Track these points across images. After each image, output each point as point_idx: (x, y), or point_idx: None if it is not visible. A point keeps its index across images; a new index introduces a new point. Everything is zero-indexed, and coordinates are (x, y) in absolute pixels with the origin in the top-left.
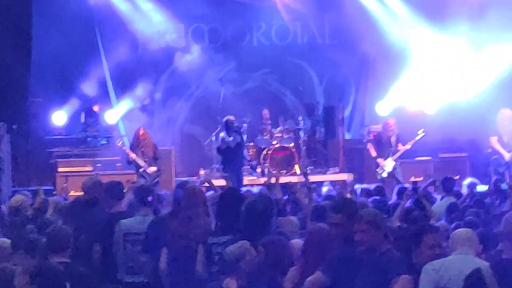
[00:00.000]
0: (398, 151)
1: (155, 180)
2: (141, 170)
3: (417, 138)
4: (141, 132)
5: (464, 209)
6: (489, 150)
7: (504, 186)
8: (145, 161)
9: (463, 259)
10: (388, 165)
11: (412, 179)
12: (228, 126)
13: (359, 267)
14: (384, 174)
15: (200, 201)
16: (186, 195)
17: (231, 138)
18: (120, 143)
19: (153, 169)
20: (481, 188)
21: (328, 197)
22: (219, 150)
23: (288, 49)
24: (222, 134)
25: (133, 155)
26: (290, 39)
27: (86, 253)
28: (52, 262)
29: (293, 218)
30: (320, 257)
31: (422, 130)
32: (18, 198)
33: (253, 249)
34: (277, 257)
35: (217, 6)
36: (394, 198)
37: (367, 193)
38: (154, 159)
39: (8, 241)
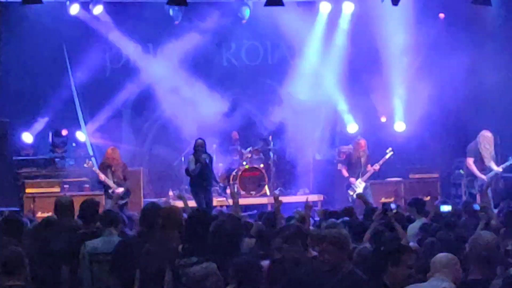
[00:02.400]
0: (367, 172)
1: (124, 201)
2: (110, 191)
3: (386, 157)
4: (110, 152)
5: (435, 231)
6: (461, 171)
7: (476, 206)
8: (114, 182)
9: (435, 283)
10: (358, 186)
11: (383, 200)
12: (196, 148)
13: (315, 284)
14: (356, 196)
15: (171, 222)
16: (159, 216)
17: (196, 164)
18: (89, 164)
19: (121, 189)
20: (445, 208)
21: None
22: (187, 171)
23: (258, 69)
24: (190, 157)
25: (102, 176)
26: (260, 59)
27: (53, 275)
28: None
29: (252, 240)
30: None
31: (390, 149)
32: None
33: (218, 271)
34: (248, 280)
35: (186, 26)
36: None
37: (334, 214)
38: (124, 180)
39: None
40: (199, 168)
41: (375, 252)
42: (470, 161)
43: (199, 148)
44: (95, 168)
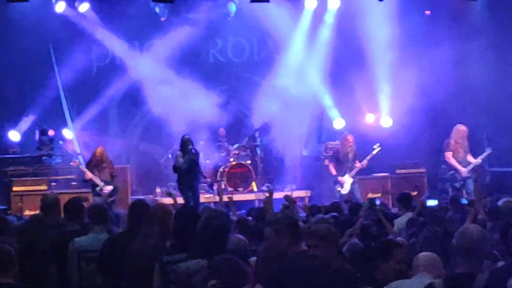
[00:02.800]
0: (355, 167)
1: (112, 199)
2: (97, 189)
3: (374, 152)
4: (98, 150)
5: (422, 225)
6: (444, 167)
7: (463, 201)
8: (101, 180)
9: (421, 280)
10: (346, 181)
11: (370, 195)
12: (183, 145)
13: (306, 282)
14: (343, 191)
15: (159, 219)
16: (147, 213)
17: (184, 158)
18: (76, 162)
19: (109, 188)
20: (431, 202)
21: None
22: (174, 168)
23: (244, 66)
24: (177, 153)
25: (89, 174)
26: (247, 56)
27: (40, 273)
28: None
29: (241, 236)
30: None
31: (377, 144)
32: None
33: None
34: (232, 278)
35: (172, 23)
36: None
37: (322, 210)
38: (111, 178)
39: None
40: (188, 162)
41: (366, 248)
42: (448, 155)
43: (186, 144)
44: (82, 166)
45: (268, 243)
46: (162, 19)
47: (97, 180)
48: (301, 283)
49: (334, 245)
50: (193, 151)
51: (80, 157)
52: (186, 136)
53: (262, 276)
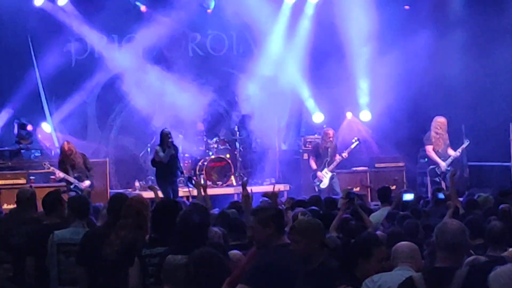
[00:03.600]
0: (334, 161)
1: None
2: (72, 186)
3: (352, 146)
4: (66, 147)
5: (402, 219)
6: (425, 160)
7: (441, 195)
8: (75, 177)
9: (401, 273)
10: (325, 176)
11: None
12: (162, 139)
13: (288, 275)
14: (322, 185)
15: (135, 211)
16: (124, 206)
17: (164, 152)
18: (46, 164)
19: (87, 183)
20: (408, 196)
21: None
22: (153, 162)
23: (223, 60)
24: (157, 147)
25: (60, 174)
26: (226, 50)
27: (22, 266)
28: None
29: (217, 229)
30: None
31: (356, 138)
32: None
33: None
34: (207, 272)
35: (151, 17)
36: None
37: (301, 203)
38: (87, 170)
39: None
40: (168, 156)
41: (345, 245)
42: (429, 148)
43: (166, 138)
44: (53, 169)
45: (251, 233)
46: (142, 9)
47: (70, 178)
48: (283, 276)
49: (315, 240)
50: (174, 144)
51: (59, 151)
52: (165, 130)
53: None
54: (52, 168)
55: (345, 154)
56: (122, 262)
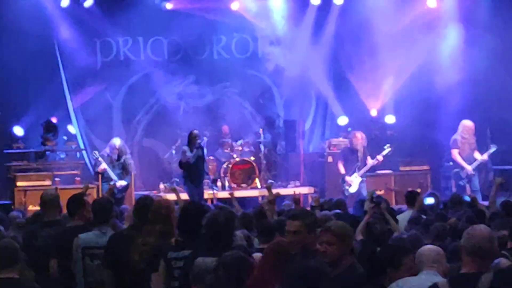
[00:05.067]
0: (365, 165)
1: (122, 195)
2: (111, 182)
3: (384, 153)
4: (117, 143)
5: (427, 223)
6: (450, 163)
7: (466, 198)
8: (116, 174)
9: (427, 277)
10: (354, 180)
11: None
12: (190, 140)
13: (321, 280)
14: (352, 190)
15: (163, 216)
16: (151, 210)
17: (192, 152)
18: (95, 153)
19: (122, 183)
20: (429, 200)
21: (288, 212)
22: (180, 163)
23: (248, 62)
24: (184, 147)
25: (105, 167)
26: (251, 52)
27: (45, 269)
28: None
29: (239, 233)
30: (278, 270)
31: (388, 145)
32: None
33: None
34: (237, 275)
35: (177, 19)
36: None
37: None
38: (126, 173)
39: None
40: (195, 157)
41: (372, 253)
42: (454, 152)
43: (195, 140)
44: (100, 159)
45: (295, 238)
46: (167, 7)
47: (111, 174)
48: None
49: (347, 243)
50: (202, 145)
51: (84, 152)
52: (195, 131)
53: (267, 272)
54: (100, 158)
55: (380, 158)
56: (150, 268)
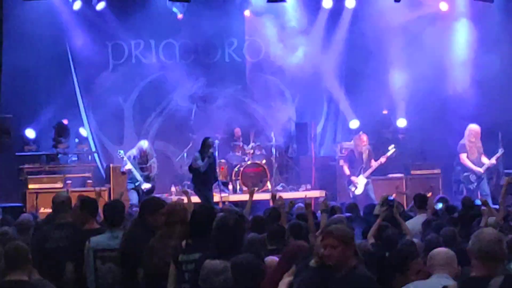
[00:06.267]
0: (370, 167)
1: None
2: (137, 183)
3: (388, 154)
4: (144, 145)
5: (438, 226)
6: (459, 168)
7: (478, 201)
8: (143, 174)
9: (438, 280)
10: (360, 182)
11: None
12: (204, 147)
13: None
14: (357, 192)
15: (181, 220)
16: (166, 212)
17: (204, 161)
18: (120, 153)
19: (147, 186)
20: (438, 205)
21: (299, 215)
22: (190, 168)
23: (260, 65)
24: (196, 154)
25: (130, 167)
26: (262, 55)
27: (57, 271)
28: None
29: (254, 234)
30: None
31: (392, 146)
32: None
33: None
34: (247, 279)
35: (188, 22)
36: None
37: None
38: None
39: None
40: (206, 166)
41: (381, 258)
42: (463, 156)
43: (208, 148)
44: (125, 159)
45: (328, 252)
46: (179, 17)
47: (137, 175)
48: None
49: (350, 246)
50: (214, 155)
51: (96, 155)
52: (210, 140)
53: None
54: (125, 158)
55: (382, 160)
56: (165, 269)
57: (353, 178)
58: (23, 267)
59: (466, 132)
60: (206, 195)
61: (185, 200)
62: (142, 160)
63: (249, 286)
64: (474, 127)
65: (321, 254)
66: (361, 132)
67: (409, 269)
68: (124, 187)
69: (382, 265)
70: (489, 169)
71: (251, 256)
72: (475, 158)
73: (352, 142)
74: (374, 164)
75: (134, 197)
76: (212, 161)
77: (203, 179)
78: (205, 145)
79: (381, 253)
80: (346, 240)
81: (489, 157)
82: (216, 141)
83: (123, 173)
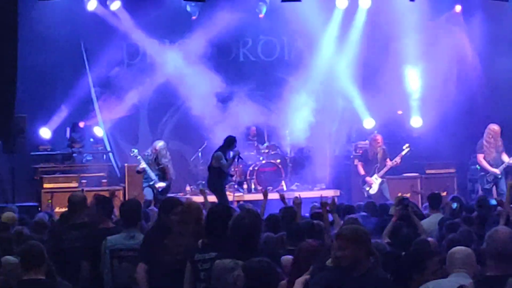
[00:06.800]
0: (384, 166)
1: (164, 196)
2: (151, 183)
3: (403, 153)
4: (158, 145)
5: (454, 226)
6: (477, 167)
7: (493, 201)
8: (156, 175)
9: (456, 279)
10: (375, 182)
11: (399, 195)
12: (229, 145)
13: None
14: (372, 191)
15: (197, 219)
16: (181, 211)
17: (227, 161)
18: (134, 152)
19: (161, 184)
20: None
21: (314, 214)
22: (211, 167)
23: (274, 65)
24: (219, 154)
25: (144, 166)
26: (277, 55)
27: (73, 271)
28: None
29: (272, 234)
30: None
31: (407, 145)
32: (9, 215)
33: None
34: (259, 282)
35: (203, 21)
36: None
37: (350, 209)
38: (165, 176)
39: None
40: (229, 166)
41: (397, 258)
42: (480, 157)
43: (232, 147)
44: (140, 158)
45: (340, 253)
46: (193, 17)
47: (151, 174)
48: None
49: (362, 247)
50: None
51: (111, 154)
52: (234, 136)
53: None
54: (139, 157)
55: (397, 160)
56: (178, 268)
57: (367, 178)
58: (40, 266)
59: (486, 131)
60: (222, 194)
61: (202, 200)
62: (152, 158)
63: None
64: (493, 127)
65: (334, 256)
66: (375, 132)
67: (426, 268)
68: (139, 187)
69: (398, 265)
70: (508, 167)
71: (266, 260)
72: (492, 158)
73: (367, 142)
74: (389, 163)
75: (149, 194)
76: (237, 159)
77: (221, 178)
78: (230, 142)
79: (396, 253)
80: (357, 241)
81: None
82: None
83: (138, 172)
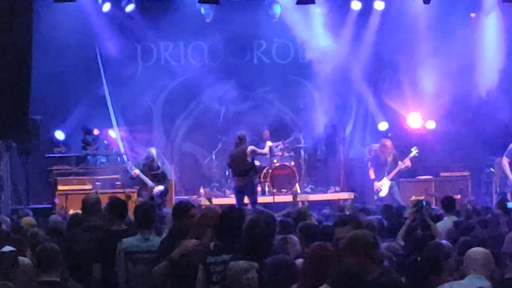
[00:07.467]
0: (394, 169)
1: (163, 199)
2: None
3: (411, 155)
4: (153, 151)
5: (468, 229)
6: (492, 170)
7: (510, 205)
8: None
9: (473, 281)
10: (384, 184)
11: (413, 198)
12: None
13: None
14: (382, 194)
15: (206, 220)
16: (200, 215)
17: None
18: (129, 163)
19: (160, 188)
20: None
21: (329, 217)
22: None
23: (289, 67)
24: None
25: (136, 172)
26: (291, 57)
27: (86, 273)
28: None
29: (294, 237)
30: (320, 275)
31: (415, 147)
32: (28, 220)
33: (255, 270)
34: (280, 278)
35: (217, 24)
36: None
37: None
38: (163, 178)
39: (27, 260)
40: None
41: (413, 261)
42: (505, 161)
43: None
44: (133, 168)
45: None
46: (207, 20)
47: (146, 180)
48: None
49: (366, 254)
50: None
51: (125, 157)
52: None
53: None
54: (133, 166)
55: (406, 162)
56: (192, 271)
57: (375, 183)
58: (55, 268)
59: None
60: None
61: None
62: (151, 166)
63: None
64: None
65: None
66: (383, 139)
67: (443, 269)
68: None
69: (415, 267)
70: None
71: (286, 256)
72: None
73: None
74: (399, 165)
75: (144, 196)
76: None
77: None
78: (244, 139)
79: (412, 256)
80: (358, 249)
81: None
82: None
83: (132, 178)
